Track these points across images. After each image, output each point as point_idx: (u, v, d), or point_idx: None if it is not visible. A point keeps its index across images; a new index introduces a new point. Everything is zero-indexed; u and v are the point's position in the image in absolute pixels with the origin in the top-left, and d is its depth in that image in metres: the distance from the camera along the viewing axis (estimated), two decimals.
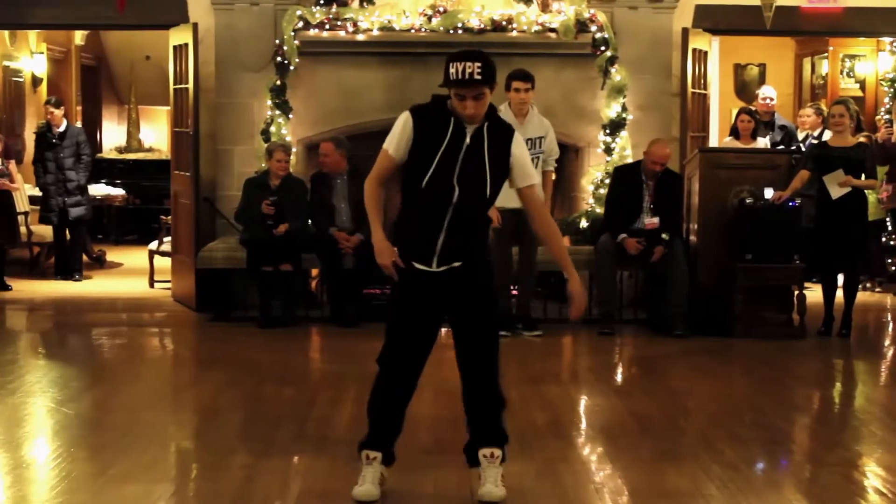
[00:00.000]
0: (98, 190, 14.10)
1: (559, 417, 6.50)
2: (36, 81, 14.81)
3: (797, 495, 5.03)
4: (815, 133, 11.41)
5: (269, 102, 9.99)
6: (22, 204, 11.89)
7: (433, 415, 6.28)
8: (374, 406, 4.93)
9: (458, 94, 4.66)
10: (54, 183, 11.65)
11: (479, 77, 4.61)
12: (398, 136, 4.77)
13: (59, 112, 11.75)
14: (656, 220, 9.16)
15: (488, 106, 4.76)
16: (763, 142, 11.03)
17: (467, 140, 4.71)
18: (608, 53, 10.02)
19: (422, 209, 4.77)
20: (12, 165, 11.68)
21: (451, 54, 4.70)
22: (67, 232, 11.91)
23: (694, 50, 10.45)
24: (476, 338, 4.86)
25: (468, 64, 4.61)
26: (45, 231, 12.07)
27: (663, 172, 9.27)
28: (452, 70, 4.62)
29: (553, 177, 9.30)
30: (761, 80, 15.67)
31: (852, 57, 14.49)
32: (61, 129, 11.76)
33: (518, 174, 4.83)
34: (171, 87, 10.70)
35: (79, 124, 15.81)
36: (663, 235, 9.12)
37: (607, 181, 9.76)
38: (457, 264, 4.76)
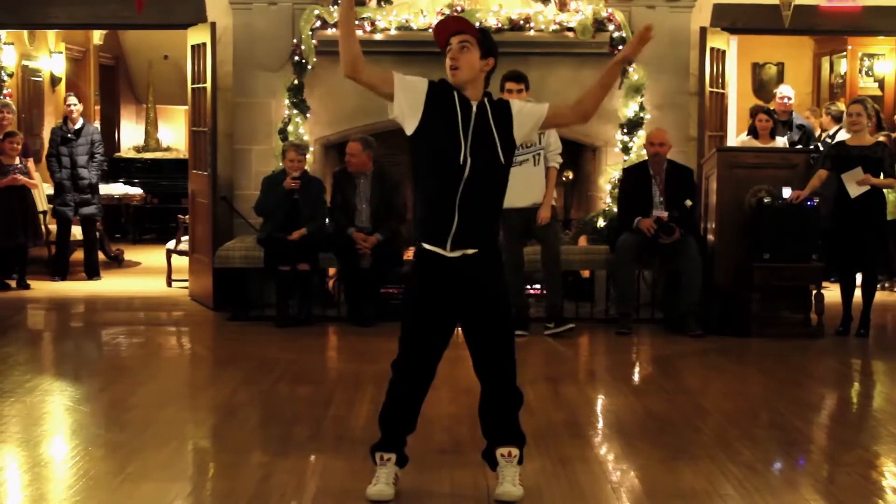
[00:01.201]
0: (116, 189, 14.15)
1: (576, 417, 6.49)
2: (55, 81, 14.86)
3: (814, 495, 5.02)
4: (831, 132, 11.37)
5: (287, 102, 10.01)
6: (41, 203, 11.94)
7: (449, 414, 6.29)
8: (388, 409, 4.93)
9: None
10: (68, 179, 11.75)
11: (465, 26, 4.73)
12: (410, 89, 4.80)
13: (79, 108, 11.89)
14: (666, 213, 9.14)
15: (484, 89, 4.81)
16: (782, 141, 11.00)
17: (474, 111, 4.73)
18: None
19: (435, 187, 4.75)
20: (31, 164, 11.73)
21: None
22: (75, 232, 12.02)
23: (712, 49, 10.43)
24: (491, 337, 4.84)
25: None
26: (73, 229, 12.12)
27: (670, 166, 9.27)
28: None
29: (571, 175, 9.27)
30: (779, 79, 15.64)
31: (871, 56, 14.45)
32: (77, 125, 11.86)
33: (531, 123, 4.85)
34: (189, 86, 10.73)
35: (97, 124, 15.90)
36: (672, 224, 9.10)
37: None
38: (471, 251, 4.74)
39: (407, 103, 4.76)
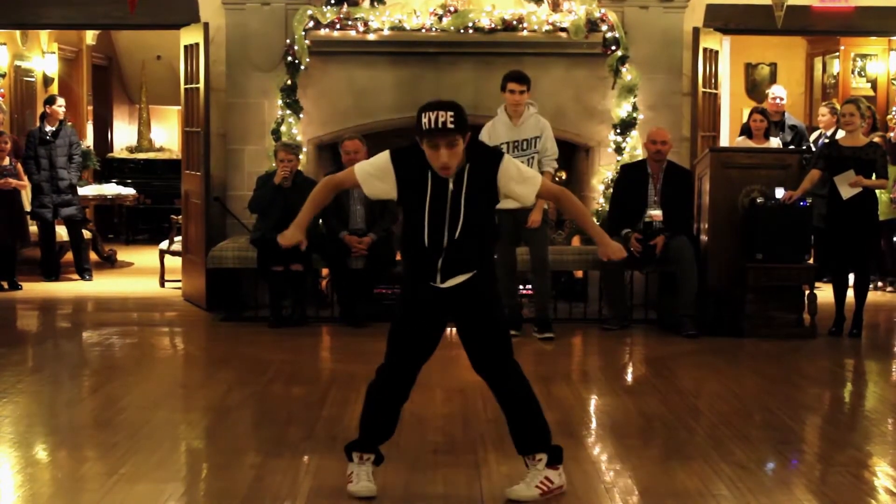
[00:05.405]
0: (109, 189, 14.13)
1: (569, 417, 6.49)
2: (47, 81, 14.84)
3: (807, 495, 5.02)
4: (829, 132, 11.38)
5: (280, 102, 10.01)
6: (26, 203, 11.92)
7: (442, 414, 6.29)
8: (371, 414, 4.95)
9: (432, 143, 4.56)
10: (47, 180, 11.74)
11: (451, 126, 4.52)
12: (377, 174, 4.75)
13: (61, 110, 11.90)
14: (659, 212, 9.14)
15: (469, 137, 4.68)
16: (776, 141, 11.01)
17: (451, 186, 4.67)
18: (619, 53, 10.01)
19: (419, 246, 4.74)
20: (20, 165, 11.72)
21: (422, 106, 4.62)
22: (60, 233, 12.02)
23: (705, 49, 10.44)
24: (486, 343, 4.86)
25: (440, 113, 4.53)
26: (58, 230, 12.10)
27: (669, 167, 9.27)
28: (425, 120, 4.53)
29: (564, 175, 9.25)
30: (772, 79, 15.66)
31: (864, 56, 14.46)
32: (55, 126, 11.87)
33: (521, 191, 4.78)
34: (182, 86, 10.72)
35: (90, 125, 15.88)
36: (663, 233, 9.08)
37: None
38: (462, 278, 4.76)
39: (381, 184, 4.76)
